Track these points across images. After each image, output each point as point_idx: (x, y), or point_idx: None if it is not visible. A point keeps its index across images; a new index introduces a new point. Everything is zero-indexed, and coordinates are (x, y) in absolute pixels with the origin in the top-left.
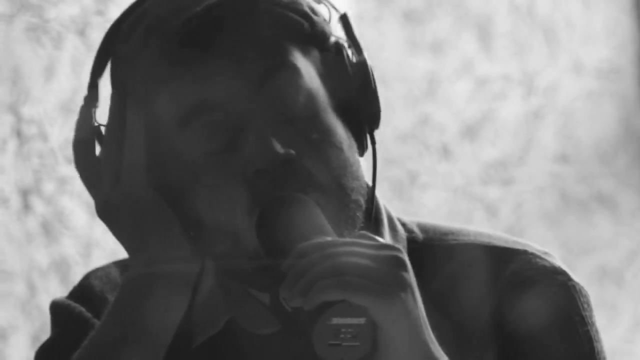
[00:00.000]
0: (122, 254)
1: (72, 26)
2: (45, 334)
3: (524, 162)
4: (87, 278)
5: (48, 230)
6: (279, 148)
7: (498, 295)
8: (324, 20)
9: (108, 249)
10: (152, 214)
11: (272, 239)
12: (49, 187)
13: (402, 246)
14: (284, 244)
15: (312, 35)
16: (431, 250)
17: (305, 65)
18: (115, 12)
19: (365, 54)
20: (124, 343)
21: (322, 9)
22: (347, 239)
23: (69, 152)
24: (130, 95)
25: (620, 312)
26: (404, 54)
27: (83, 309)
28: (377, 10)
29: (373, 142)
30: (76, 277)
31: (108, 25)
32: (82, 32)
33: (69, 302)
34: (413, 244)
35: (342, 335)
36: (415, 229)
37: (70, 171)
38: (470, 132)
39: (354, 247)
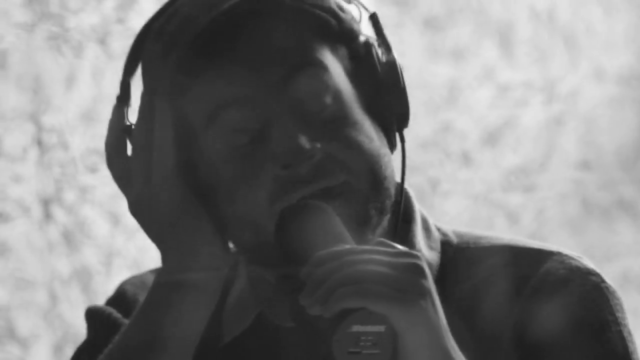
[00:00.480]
0: (143, 263)
1: (93, 35)
2: (67, 342)
3: (546, 168)
4: (122, 285)
5: (69, 239)
6: (305, 143)
7: (532, 295)
8: (352, 18)
9: (129, 258)
10: (182, 211)
11: (292, 247)
12: (70, 196)
13: (436, 247)
14: (303, 252)
15: (339, 33)
16: (465, 252)
17: (333, 62)
18: (135, 20)
19: (395, 54)
20: (150, 346)
21: (351, 8)
22: (366, 247)
23: (90, 161)
24: (160, 94)
25: None
26: (424, 61)
27: (114, 312)
28: (398, 17)
29: (402, 140)
30: (97, 286)
31: (129, 33)
32: (102, 41)
33: (102, 306)
34: (447, 246)
35: (362, 343)
36: (450, 233)
37: (91, 180)
38: (492, 138)
39: (373, 255)
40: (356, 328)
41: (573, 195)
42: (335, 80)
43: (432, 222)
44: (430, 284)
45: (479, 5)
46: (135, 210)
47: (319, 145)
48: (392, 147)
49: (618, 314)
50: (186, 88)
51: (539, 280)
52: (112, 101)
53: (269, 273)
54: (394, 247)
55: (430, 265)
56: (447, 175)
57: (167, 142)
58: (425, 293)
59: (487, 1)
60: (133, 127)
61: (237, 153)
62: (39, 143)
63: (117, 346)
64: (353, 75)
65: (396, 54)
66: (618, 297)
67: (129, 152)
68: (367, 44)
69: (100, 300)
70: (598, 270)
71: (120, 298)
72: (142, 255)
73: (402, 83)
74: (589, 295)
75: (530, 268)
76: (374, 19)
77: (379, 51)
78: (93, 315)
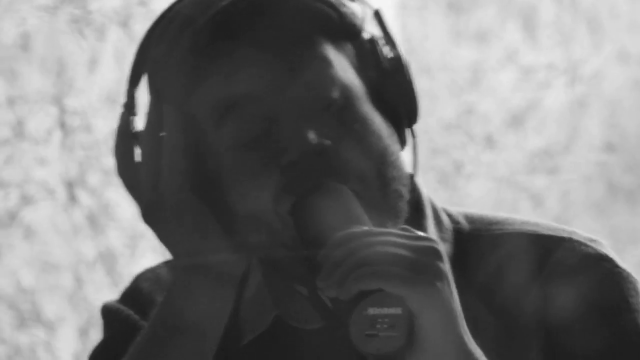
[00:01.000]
0: None
1: (115, 17)
2: (92, 325)
3: (570, 150)
4: (136, 280)
5: (94, 222)
6: (312, 138)
7: (543, 284)
8: (354, 13)
9: (154, 241)
10: (191, 215)
11: (308, 229)
12: (94, 179)
13: (448, 237)
14: (320, 234)
15: (342, 28)
16: (477, 240)
17: (338, 58)
18: (157, 3)
19: (400, 50)
20: (173, 339)
21: (354, 6)
22: (383, 229)
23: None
24: (166, 96)
25: None
26: (448, 44)
27: (131, 312)
28: (422, 0)
29: (413, 136)
30: (122, 269)
31: (151, 15)
32: (124, 24)
33: (118, 305)
34: (459, 234)
35: (378, 326)
36: (462, 220)
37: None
38: (515, 121)
39: (390, 237)
40: (373, 310)
41: (597, 178)
42: (342, 75)
43: (441, 209)
44: (447, 267)
45: None
46: (146, 215)
47: (327, 142)
48: (403, 143)
49: (631, 299)
50: (191, 89)
51: (550, 270)
52: None
53: (284, 270)
54: (412, 232)
55: None
56: (470, 157)
57: (175, 147)
58: (442, 276)
59: None
60: (141, 133)
61: (245, 151)
62: (63, 126)
63: (141, 341)
64: (360, 70)
65: (401, 50)
66: (632, 281)
67: (138, 159)
68: (372, 41)
69: (125, 283)
70: (611, 255)
71: (135, 294)
72: None
73: (409, 78)
74: (602, 282)
75: (541, 257)
76: (377, 16)
77: (385, 47)
78: (110, 314)
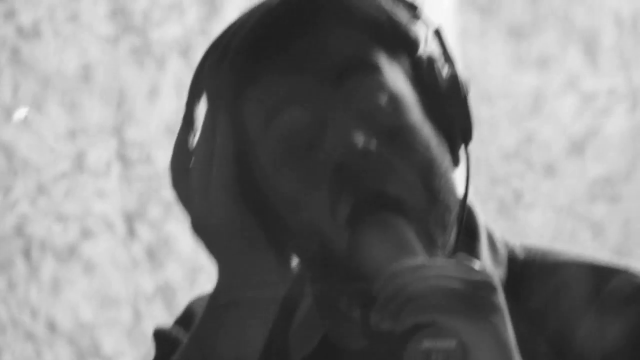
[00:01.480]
0: None
1: (176, 47)
2: None
3: (632, 178)
4: (190, 305)
5: (153, 255)
6: (359, 140)
7: (597, 313)
8: (411, 26)
9: (214, 274)
10: (239, 228)
11: (363, 260)
12: (154, 211)
13: (502, 262)
14: (375, 266)
15: (398, 38)
16: (531, 267)
17: (389, 66)
18: (219, 31)
19: (458, 68)
20: None
21: (416, 23)
22: (439, 262)
23: None
24: (218, 105)
25: None
26: (509, 70)
27: (181, 333)
28: (482, 25)
29: (467, 155)
30: (182, 302)
31: None
32: (185, 53)
33: (168, 327)
34: (513, 261)
35: (433, 358)
36: (517, 248)
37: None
38: (576, 148)
39: (445, 270)
40: (427, 343)
41: None
42: (392, 84)
43: (498, 236)
44: (502, 301)
45: (564, 13)
46: (195, 227)
47: (373, 144)
48: (456, 162)
49: None
50: (241, 94)
51: (604, 298)
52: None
53: (336, 291)
54: (467, 264)
55: None
56: (530, 186)
57: (226, 158)
58: (496, 309)
59: (571, 8)
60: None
61: (295, 157)
62: (122, 158)
63: None
64: (415, 82)
65: (459, 69)
66: None
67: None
68: (430, 57)
69: None
70: None
71: (188, 318)
72: None
73: (465, 97)
74: None
75: (596, 286)
76: (437, 34)
77: (443, 65)
78: (160, 337)
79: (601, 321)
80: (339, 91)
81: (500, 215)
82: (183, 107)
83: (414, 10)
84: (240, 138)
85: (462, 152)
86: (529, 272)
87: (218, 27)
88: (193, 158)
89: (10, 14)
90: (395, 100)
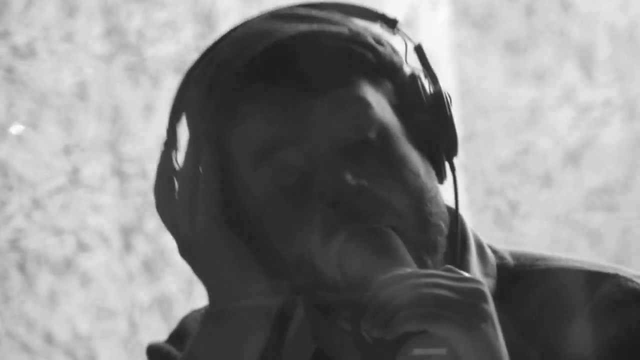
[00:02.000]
0: None
1: (171, 64)
2: None
3: (629, 188)
4: (183, 321)
5: (150, 268)
6: (350, 179)
7: (587, 319)
8: (392, 51)
9: None
10: (227, 252)
11: (354, 271)
12: (150, 225)
13: (492, 273)
14: (366, 276)
15: (380, 67)
16: (522, 276)
17: (375, 97)
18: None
19: (441, 84)
20: None
21: (396, 40)
22: (428, 271)
23: None
24: (204, 137)
25: None
26: (505, 84)
27: (172, 350)
28: (478, 40)
29: (453, 169)
30: (178, 314)
31: None
32: (180, 70)
33: (162, 345)
34: (503, 270)
35: None
36: (507, 256)
37: None
38: (573, 159)
39: (435, 279)
40: (418, 351)
41: None
42: (379, 115)
43: (486, 245)
44: (492, 309)
45: (559, 27)
46: (183, 251)
47: (365, 183)
48: (441, 177)
49: None
50: (229, 130)
51: (594, 306)
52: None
53: (327, 301)
54: (457, 273)
55: None
56: (527, 197)
57: (212, 186)
58: (487, 318)
59: (567, 22)
60: (179, 170)
61: (285, 194)
62: (118, 173)
63: None
64: (399, 108)
65: (443, 84)
66: None
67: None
68: (412, 76)
69: None
70: None
71: (181, 334)
72: None
73: (448, 113)
74: None
75: (586, 292)
76: (419, 50)
77: (425, 82)
78: (153, 353)
79: (592, 326)
80: (327, 130)
81: (497, 226)
82: (178, 124)
83: (393, 26)
84: (227, 171)
85: (448, 167)
86: (520, 280)
87: None
88: (177, 183)
89: (4, 34)
90: (383, 133)
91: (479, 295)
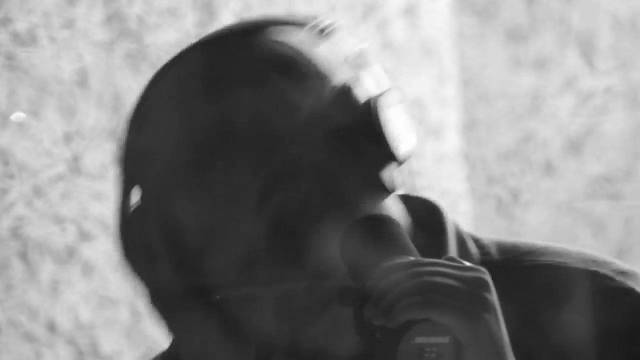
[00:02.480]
0: None
1: (171, 51)
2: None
3: (631, 176)
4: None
5: None
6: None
7: (566, 317)
8: (321, 76)
9: None
10: (189, 313)
11: (357, 259)
12: None
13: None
14: (368, 264)
15: (306, 124)
16: (505, 272)
17: (309, 158)
18: None
19: (382, 89)
20: None
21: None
22: (431, 259)
23: None
24: (149, 202)
25: None
26: (506, 72)
27: None
28: (479, 28)
29: (401, 175)
30: None
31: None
32: None
33: None
34: (486, 265)
35: (426, 355)
36: (492, 249)
37: None
38: (575, 147)
39: (438, 267)
40: (420, 339)
41: None
42: (317, 179)
43: (470, 238)
44: (495, 298)
45: (561, 15)
46: (149, 301)
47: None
48: (393, 186)
49: None
50: (173, 214)
51: (574, 303)
52: None
53: (331, 288)
54: (460, 262)
55: None
56: (528, 185)
57: (162, 257)
58: (490, 307)
59: (568, 10)
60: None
61: (238, 274)
62: None
63: None
64: (339, 147)
65: (383, 86)
66: None
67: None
68: (342, 90)
69: None
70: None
71: None
72: None
73: (378, 126)
74: (624, 317)
75: (567, 290)
76: (361, 57)
77: (356, 95)
78: None
79: (571, 325)
80: (264, 215)
81: (498, 215)
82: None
83: (327, 36)
84: (175, 234)
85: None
86: (503, 277)
87: None
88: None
89: (5, 21)
90: (325, 186)
91: (482, 284)
